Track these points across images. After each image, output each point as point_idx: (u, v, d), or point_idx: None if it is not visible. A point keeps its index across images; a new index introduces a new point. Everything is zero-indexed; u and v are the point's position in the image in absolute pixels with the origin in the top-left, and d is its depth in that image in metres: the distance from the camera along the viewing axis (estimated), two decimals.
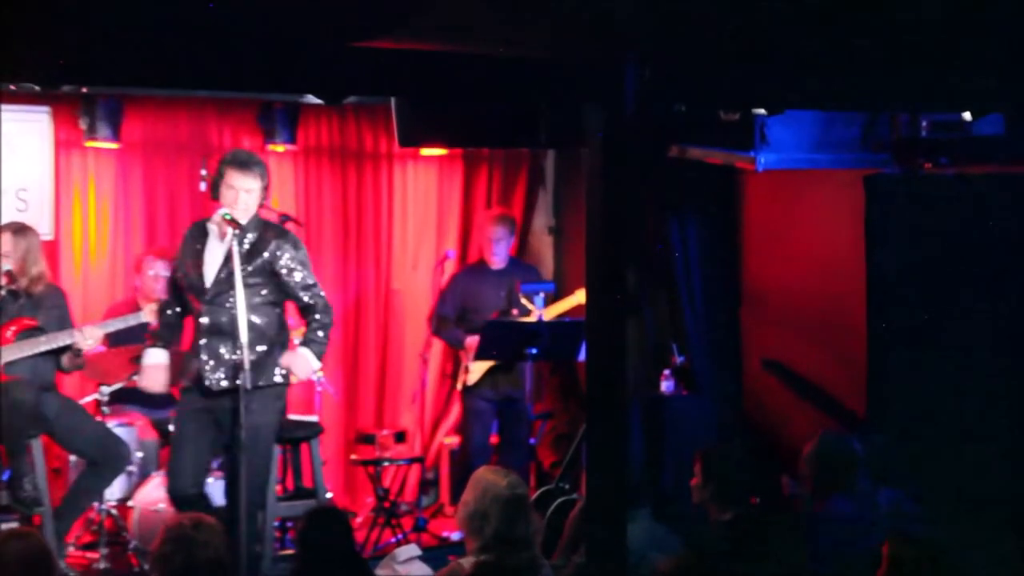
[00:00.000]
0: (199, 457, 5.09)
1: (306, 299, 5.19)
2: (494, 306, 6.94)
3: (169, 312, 5.26)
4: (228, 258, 4.99)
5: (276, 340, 5.14)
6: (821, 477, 4.53)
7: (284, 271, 5.14)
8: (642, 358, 6.61)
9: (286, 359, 5.12)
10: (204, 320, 5.04)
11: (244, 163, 5.10)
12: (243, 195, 5.06)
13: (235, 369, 4.95)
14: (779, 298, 6.41)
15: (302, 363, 5.15)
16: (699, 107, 5.19)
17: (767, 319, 6.51)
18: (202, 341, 5.04)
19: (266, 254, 5.11)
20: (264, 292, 5.09)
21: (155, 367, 5.18)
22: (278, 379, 5.13)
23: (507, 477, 3.93)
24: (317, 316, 5.20)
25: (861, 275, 5.57)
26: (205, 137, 7.07)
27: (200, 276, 5.07)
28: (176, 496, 5.04)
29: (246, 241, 5.07)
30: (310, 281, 5.19)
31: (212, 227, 5.10)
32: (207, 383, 5.01)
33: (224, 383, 5.01)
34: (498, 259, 7.02)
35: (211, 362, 5.02)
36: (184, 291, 5.16)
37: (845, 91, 4.69)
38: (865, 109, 5.32)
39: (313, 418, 6.72)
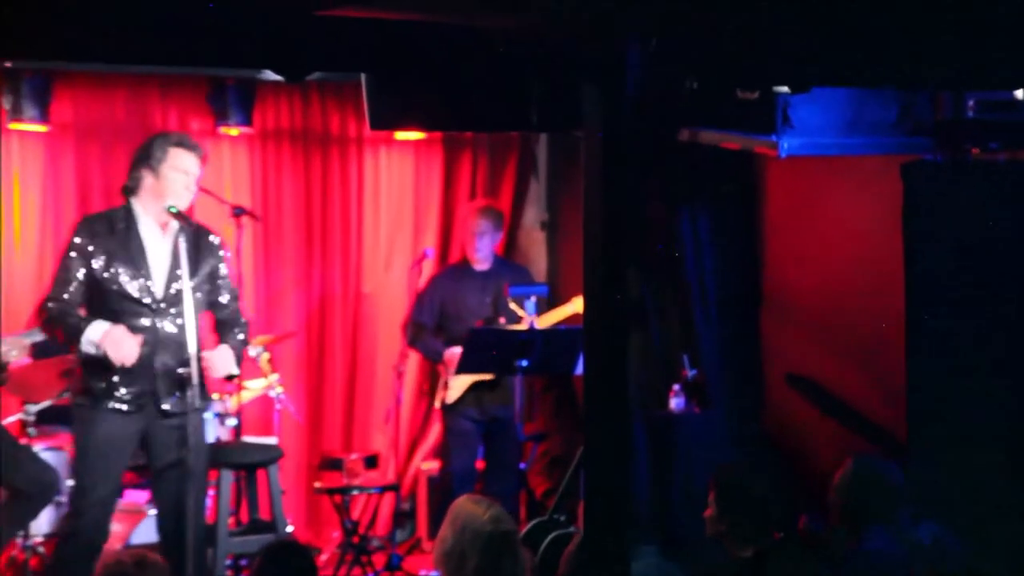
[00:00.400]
0: (118, 481, 5.11)
1: (233, 307, 5.24)
2: (478, 312, 6.92)
3: (70, 317, 5.06)
4: (177, 267, 5.01)
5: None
6: (854, 508, 4.51)
7: (221, 275, 5.15)
8: (648, 371, 6.61)
9: (206, 356, 5.10)
10: (150, 333, 5.00)
11: (191, 144, 5.07)
12: (192, 182, 5.03)
13: (184, 387, 4.98)
14: (805, 302, 6.41)
15: (223, 361, 5.13)
16: (713, 84, 5.17)
17: (791, 326, 6.51)
18: (155, 361, 5.02)
19: (210, 256, 5.10)
20: (200, 298, 5.12)
21: None
22: (214, 397, 5.16)
23: (490, 509, 3.89)
24: (242, 323, 5.28)
25: (899, 276, 5.56)
26: (147, 119, 7.06)
27: (146, 282, 5.02)
28: (82, 516, 4.98)
29: (185, 240, 5.05)
30: (235, 287, 5.29)
31: (147, 222, 5.04)
32: (162, 405, 5.02)
33: (175, 404, 5.03)
34: (481, 257, 6.99)
35: (163, 381, 5.01)
36: (110, 297, 5.06)
37: (880, 66, 4.66)
38: (904, 87, 5.30)
39: (271, 440, 6.71)
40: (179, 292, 5.02)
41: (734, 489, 4.55)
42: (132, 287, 5.02)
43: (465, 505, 3.94)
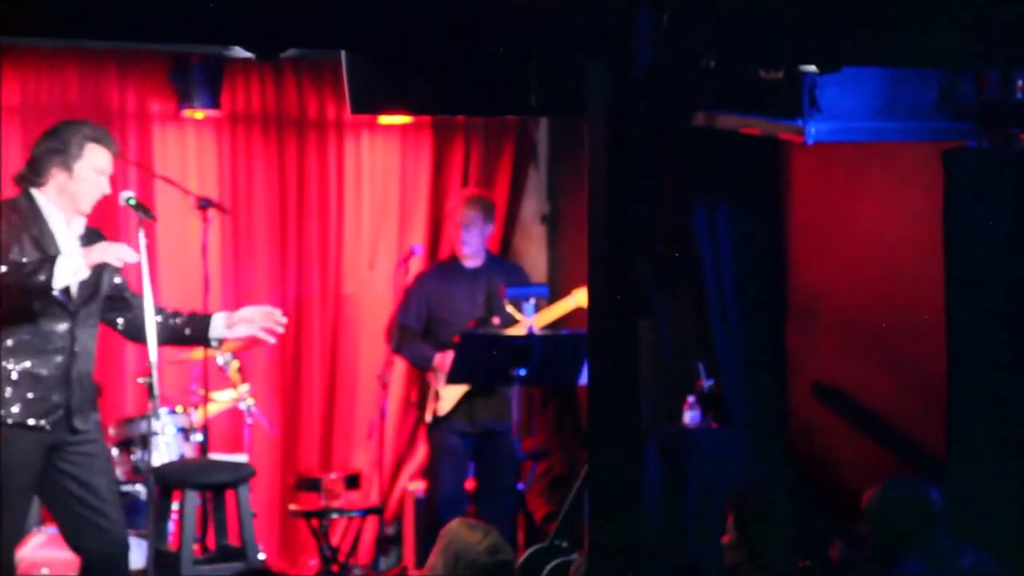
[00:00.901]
0: (27, 511, 5.14)
1: (133, 306, 5.18)
2: (469, 314, 6.92)
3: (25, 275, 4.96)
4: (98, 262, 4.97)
5: None
6: (888, 534, 4.51)
7: (119, 275, 5.15)
8: (660, 381, 6.61)
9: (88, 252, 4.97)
10: (66, 340, 4.97)
11: (110, 140, 5.04)
12: (107, 183, 5.01)
13: (94, 404, 5.02)
14: (834, 305, 6.41)
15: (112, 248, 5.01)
16: (732, 62, 5.17)
17: (819, 332, 6.51)
18: (72, 370, 4.98)
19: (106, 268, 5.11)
20: (98, 305, 5.11)
21: None
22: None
23: (487, 536, 3.90)
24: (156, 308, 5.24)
25: (939, 275, 5.56)
26: (103, 100, 7.08)
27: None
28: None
29: (79, 241, 5.02)
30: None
31: (52, 212, 5.00)
32: (75, 423, 5.00)
33: (86, 422, 5.02)
34: (470, 252, 6.99)
35: (78, 396, 5.00)
36: (29, 298, 4.94)
37: (919, 42, 4.66)
38: (945, 66, 5.30)
39: (242, 457, 6.71)
40: (91, 296, 5.01)
41: (755, 513, 4.55)
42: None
43: (458, 531, 3.94)
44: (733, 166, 6.56)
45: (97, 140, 5.00)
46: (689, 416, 6.54)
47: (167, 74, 7.13)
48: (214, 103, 7.15)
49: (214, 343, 5.41)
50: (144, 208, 5.16)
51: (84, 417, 5.01)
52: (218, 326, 5.30)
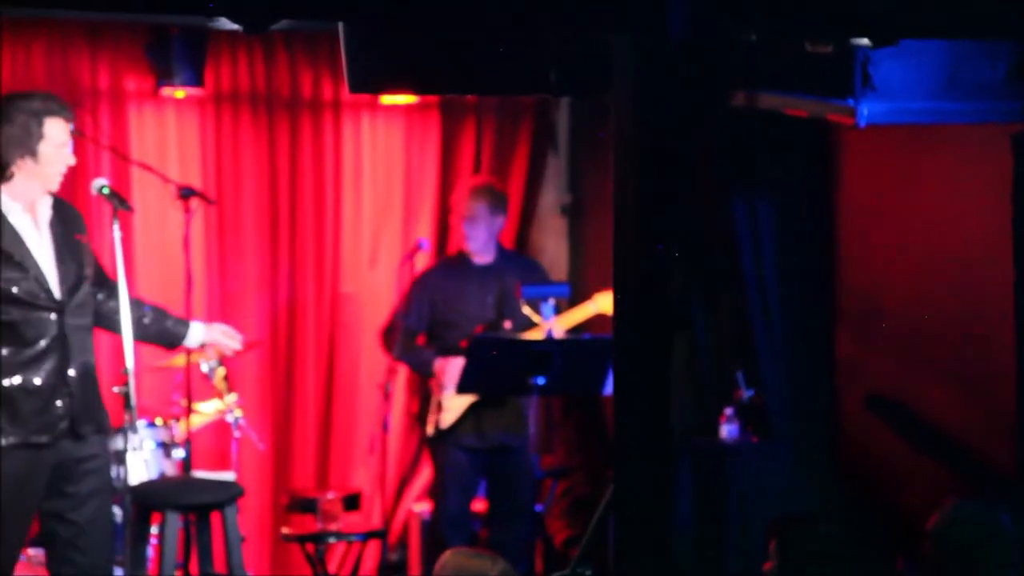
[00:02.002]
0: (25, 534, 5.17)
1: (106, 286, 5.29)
2: (478, 316, 6.92)
3: None
4: (68, 254, 5.04)
5: None
6: (953, 561, 4.50)
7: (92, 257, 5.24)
8: (694, 391, 6.60)
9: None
10: (61, 342, 5.01)
11: (61, 104, 5.07)
12: (70, 154, 5.04)
13: (98, 403, 5.10)
14: (889, 308, 6.41)
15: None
16: (776, 35, 5.16)
17: (872, 338, 6.50)
18: (67, 370, 5.03)
19: (80, 236, 5.15)
20: (88, 291, 5.19)
21: None
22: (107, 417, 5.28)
23: (495, 567, 3.90)
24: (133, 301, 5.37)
25: (1008, 273, 5.55)
26: (73, 77, 7.10)
27: (38, 279, 5.02)
28: None
29: (50, 225, 5.07)
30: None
31: (15, 210, 5.03)
32: (80, 428, 5.04)
33: (92, 425, 5.06)
34: (476, 248, 6.99)
35: (80, 398, 5.03)
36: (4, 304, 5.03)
37: (984, 12, 4.65)
38: (1015, 37, 5.28)
39: (229, 475, 6.72)
40: (74, 287, 5.06)
41: (799, 538, 4.56)
42: (22, 289, 5.00)
43: (459, 561, 3.97)
44: (777, 152, 6.56)
45: (51, 112, 5.03)
46: (727, 430, 6.54)
47: (144, 48, 7.14)
48: (197, 80, 7.16)
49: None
50: (119, 198, 5.18)
51: (90, 419, 5.06)
52: (196, 336, 5.52)
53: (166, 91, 7.16)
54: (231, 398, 6.79)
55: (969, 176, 5.96)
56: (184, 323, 5.53)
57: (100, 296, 5.26)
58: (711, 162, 6.52)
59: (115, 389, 5.06)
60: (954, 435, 6.07)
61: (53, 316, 5.02)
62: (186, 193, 6.51)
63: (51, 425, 5.01)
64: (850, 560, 4.58)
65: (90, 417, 5.08)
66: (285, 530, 7.08)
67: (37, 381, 4.99)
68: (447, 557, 4.02)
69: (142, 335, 5.35)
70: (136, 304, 5.34)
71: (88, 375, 5.10)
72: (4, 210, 5.01)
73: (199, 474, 6.63)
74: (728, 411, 6.56)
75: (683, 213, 5.11)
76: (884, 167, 6.43)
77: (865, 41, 4.97)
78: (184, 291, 6.43)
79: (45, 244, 5.06)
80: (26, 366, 4.99)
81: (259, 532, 7.37)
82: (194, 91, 7.20)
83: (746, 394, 6.58)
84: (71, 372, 5.04)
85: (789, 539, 4.57)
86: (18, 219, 5.03)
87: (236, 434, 6.83)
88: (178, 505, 6.05)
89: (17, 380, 4.98)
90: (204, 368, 6.63)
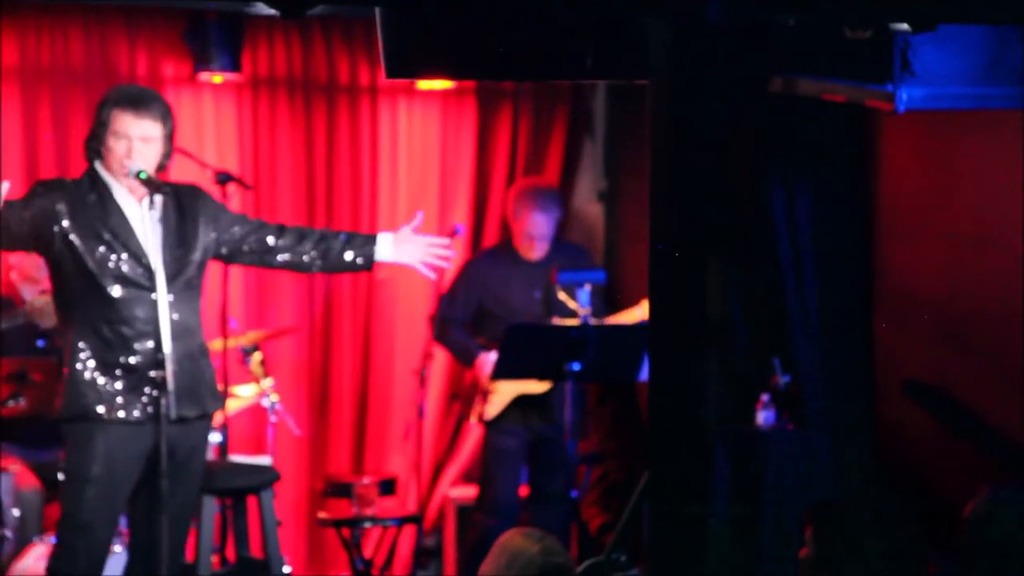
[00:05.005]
0: (119, 515, 5.20)
1: (269, 227, 5.41)
2: (525, 310, 6.92)
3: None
4: (177, 238, 5.11)
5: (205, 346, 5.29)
6: (992, 552, 4.48)
7: (220, 222, 5.27)
8: (730, 378, 6.59)
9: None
10: (155, 324, 5.04)
11: (137, 100, 5.11)
12: (139, 145, 5.07)
13: (199, 390, 5.13)
14: (929, 293, 6.38)
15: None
16: (814, 20, 5.14)
17: (912, 324, 6.47)
18: (166, 349, 5.03)
19: (196, 219, 5.19)
20: (195, 275, 5.21)
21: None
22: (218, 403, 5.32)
23: (542, 541, 3.96)
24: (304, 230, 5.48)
25: None
26: (110, 62, 7.14)
27: (138, 257, 5.06)
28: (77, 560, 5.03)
29: (156, 208, 5.11)
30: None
31: (121, 189, 5.10)
32: (180, 412, 5.05)
33: (186, 409, 5.08)
34: (539, 255, 7.00)
35: (179, 385, 5.04)
36: (97, 278, 5.06)
37: None
38: None
39: (265, 460, 6.75)
40: (180, 270, 5.12)
41: (836, 526, 4.54)
42: (126, 267, 5.05)
43: (514, 540, 4.01)
44: (814, 138, 6.53)
45: (115, 101, 5.09)
46: (763, 417, 6.52)
47: (181, 34, 7.17)
48: (234, 66, 7.19)
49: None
50: (156, 183, 5.20)
51: (193, 404, 5.10)
52: (384, 249, 5.42)
53: (203, 76, 7.20)
54: (267, 383, 6.83)
55: (1009, 161, 5.92)
56: (372, 238, 5.50)
57: (271, 240, 5.39)
58: (748, 148, 6.50)
59: (151, 374, 5.04)
60: (993, 421, 6.05)
61: (153, 296, 5.05)
62: (223, 178, 6.53)
63: (145, 406, 5.05)
64: (886, 548, 4.57)
65: (193, 402, 5.11)
66: (321, 515, 7.11)
67: (133, 360, 5.02)
68: (507, 536, 4.07)
69: (330, 264, 5.45)
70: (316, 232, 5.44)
71: (191, 358, 5.11)
72: (110, 186, 5.10)
73: (235, 458, 6.67)
74: (764, 397, 6.54)
75: (719, 199, 5.10)
76: (923, 153, 6.41)
77: (904, 26, 4.95)
78: (221, 277, 6.46)
79: (150, 225, 5.10)
80: (124, 344, 5.04)
81: (295, 517, 7.40)
82: (231, 76, 7.23)
83: (782, 380, 6.55)
84: (168, 353, 5.05)
85: (825, 526, 4.56)
86: (123, 198, 5.10)
87: (272, 419, 6.87)
88: (214, 489, 6.08)
89: (113, 358, 5.02)
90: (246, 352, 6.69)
